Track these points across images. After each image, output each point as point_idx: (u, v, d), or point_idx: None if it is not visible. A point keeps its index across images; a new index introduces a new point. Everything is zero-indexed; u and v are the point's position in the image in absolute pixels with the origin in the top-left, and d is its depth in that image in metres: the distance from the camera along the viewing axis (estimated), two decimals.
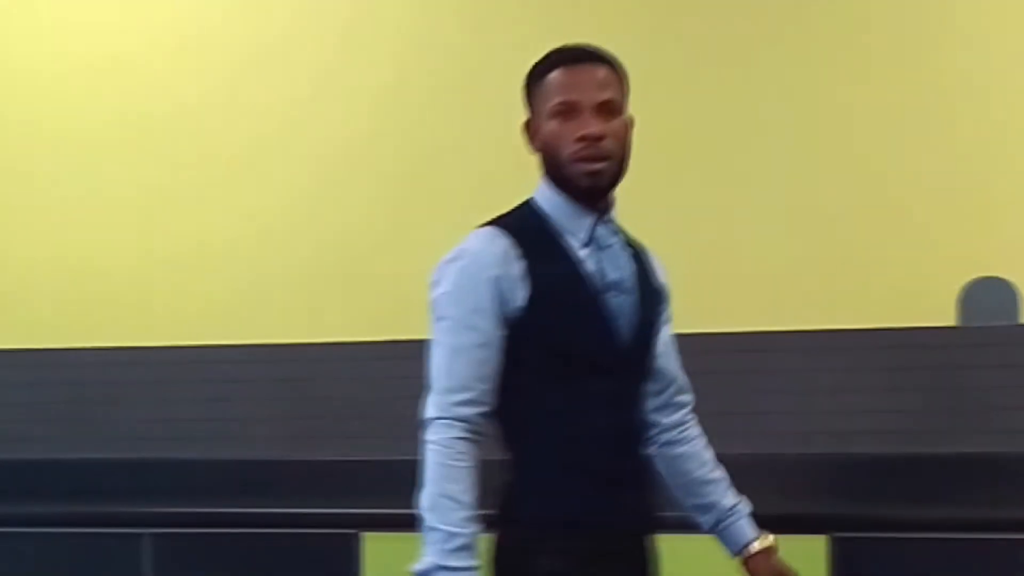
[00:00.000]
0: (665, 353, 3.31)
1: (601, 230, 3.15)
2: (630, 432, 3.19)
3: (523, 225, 3.17)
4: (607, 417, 3.12)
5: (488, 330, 3.08)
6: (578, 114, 3.10)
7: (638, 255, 3.24)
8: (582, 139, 3.08)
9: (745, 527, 3.31)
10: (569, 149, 3.10)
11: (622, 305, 3.13)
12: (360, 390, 5.37)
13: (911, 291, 4.89)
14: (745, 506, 3.32)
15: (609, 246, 3.15)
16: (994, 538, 4.18)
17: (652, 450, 3.33)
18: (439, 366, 3.11)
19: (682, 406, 3.36)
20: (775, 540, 3.30)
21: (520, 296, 3.07)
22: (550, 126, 3.13)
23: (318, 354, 5.41)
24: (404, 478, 5.14)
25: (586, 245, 3.14)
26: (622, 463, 3.15)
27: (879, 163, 5.01)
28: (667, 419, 3.34)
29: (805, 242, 4.97)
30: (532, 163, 5.17)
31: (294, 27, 5.56)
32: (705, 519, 3.33)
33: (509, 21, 5.37)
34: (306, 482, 5.25)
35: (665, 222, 4.72)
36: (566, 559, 3.05)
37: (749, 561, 3.29)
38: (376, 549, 4.62)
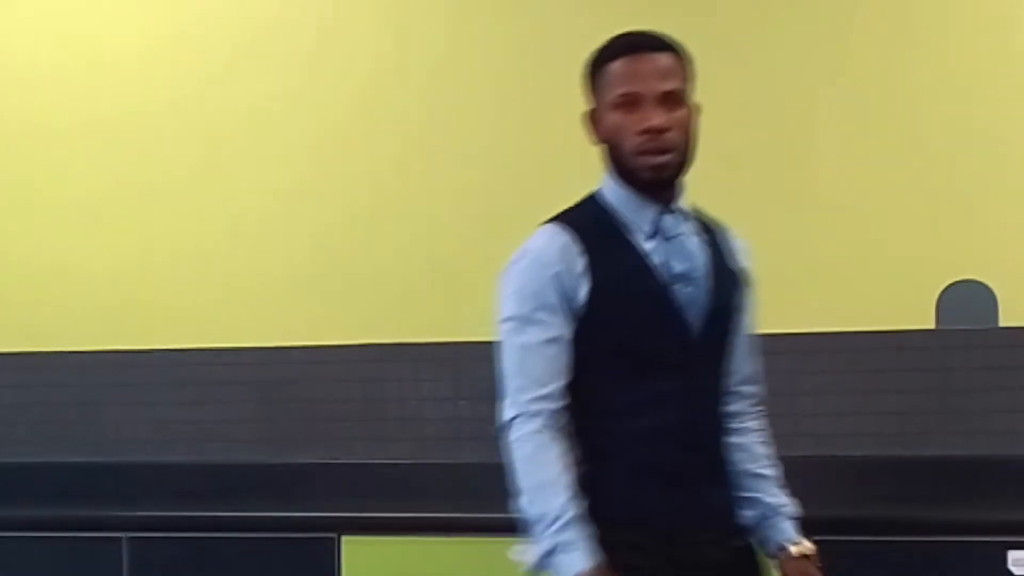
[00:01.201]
0: (741, 342, 3.24)
1: (667, 221, 3.10)
2: (705, 428, 3.13)
3: (586, 219, 3.15)
4: (677, 413, 3.07)
5: (555, 325, 3.06)
6: (641, 105, 3.05)
7: (716, 239, 3.18)
8: (645, 131, 3.04)
9: (785, 528, 3.22)
10: (632, 142, 3.06)
11: (691, 296, 3.08)
12: (341, 393, 5.36)
13: (891, 294, 4.90)
14: (791, 508, 3.24)
15: (676, 236, 3.10)
16: (974, 540, 4.19)
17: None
18: (510, 367, 3.10)
19: (743, 396, 3.27)
20: (814, 549, 3.21)
21: (583, 292, 3.06)
22: (612, 118, 3.09)
23: (299, 357, 5.40)
24: (384, 482, 5.19)
25: (652, 237, 3.10)
26: (694, 460, 3.10)
27: (857, 168, 5.01)
28: (728, 408, 3.24)
29: (784, 246, 4.97)
30: (519, 162, 5.24)
31: (271, 25, 5.53)
32: (748, 514, 3.23)
33: (491, 16, 5.36)
34: (285, 486, 5.24)
35: None
36: (641, 553, 3.02)
37: (784, 564, 3.20)
38: (355, 553, 4.61)
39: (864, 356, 4.93)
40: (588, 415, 3.12)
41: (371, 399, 5.33)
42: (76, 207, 5.63)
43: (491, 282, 5.24)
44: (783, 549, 3.21)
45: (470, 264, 5.25)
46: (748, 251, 3.26)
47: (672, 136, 3.06)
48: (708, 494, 3.12)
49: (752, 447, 3.27)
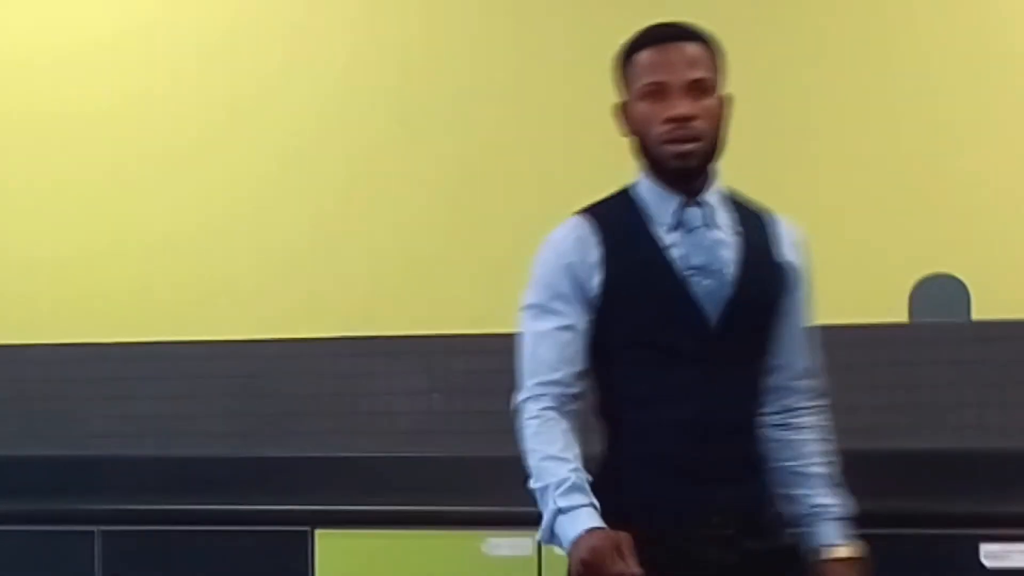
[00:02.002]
0: (793, 335, 3.21)
1: (689, 213, 3.09)
2: (724, 423, 3.09)
3: (611, 210, 3.16)
4: (692, 407, 3.06)
5: (568, 314, 3.09)
6: (667, 95, 3.05)
7: (756, 230, 3.15)
8: (670, 120, 3.04)
9: (826, 530, 3.18)
10: (658, 131, 3.06)
11: (709, 289, 3.06)
12: (314, 387, 5.36)
13: (863, 288, 4.91)
14: (837, 509, 3.20)
15: (697, 228, 3.09)
16: (946, 534, 4.20)
17: (762, 430, 3.22)
18: (525, 353, 3.13)
19: (798, 391, 3.24)
20: (857, 552, 3.19)
21: (596, 282, 3.09)
22: (639, 108, 3.09)
23: (272, 351, 5.39)
24: (357, 475, 5.19)
25: (674, 229, 3.09)
26: (708, 455, 3.07)
27: (830, 161, 5.02)
28: (780, 402, 3.23)
29: None
30: (494, 157, 5.24)
31: (244, 19, 5.53)
32: (789, 511, 3.22)
33: (464, 16, 5.36)
34: (258, 480, 5.23)
35: None
36: (642, 546, 2.95)
37: (821, 568, 3.17)
38: (329, 546, 4.60)
39: (836, 350, 4.89)
40: (606, 405, 3.16)
41: (344, 393, 5.33)
42: (47, 198, 5.62)
43: (464, 276, 5.30)
44: (822, 552, 3.18)
45: (444, 258, 5.26)
46: (800, 242, 3.23)
47: (699, 125, 3.05)
48: (722, 491, 3.07)
49: (802, 444, 3.24)
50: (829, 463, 3.24)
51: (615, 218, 3.15)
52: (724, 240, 3.10)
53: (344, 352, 5.30)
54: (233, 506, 4.80)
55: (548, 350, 3.10)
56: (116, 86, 5.57)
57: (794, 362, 3.24)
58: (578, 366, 3.10)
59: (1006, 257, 4.89)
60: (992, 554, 4.14)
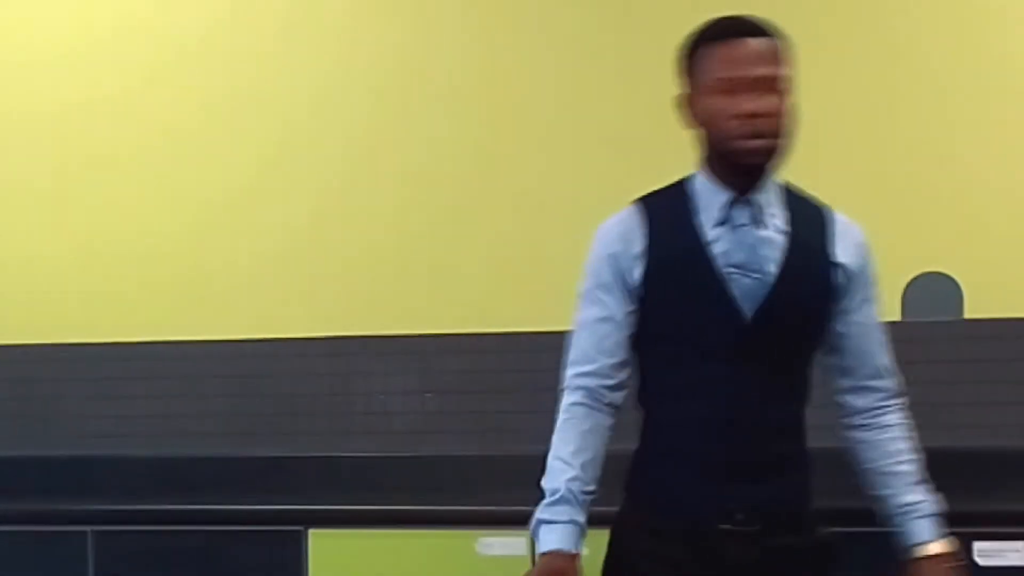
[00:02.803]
0: (860, 335, 3.21)
1: (736, 209, 3.09)
2: (754, 421, 3.09)
3: (664, 202, 3.18)
4: (722, 403, 3.07)
5: (610, 304, 3.13)
6: (736, 91, 3.04)
7: (811, 230, 3.14)
8: (740, 116, 3.03)
9: (917, 528, 3.18)
10: (727, 126, 3.05)
11: (748, 287, 3.06)
12: (306, 386, 5.36)
13: None
14: (927, 507, 3.19)
15: (742, 226, 3.08)
16: None
17: (845, 433, 3.26)
18: (570, 342, 3.19)
19: (876, 391, 3.24)
20: (949, 548, 3.17)
21: (637, 273, 3.11)
22: (708, 103, 3.08)
23: (265, 350, 5.39)
24: (351, 475, 5.19)
25: (720, 224, 3.09)
26: (735, 453, 3.08)
27: (820, 158, 5.02)
28: (858, 403, 3.24)
29: None
30: (485, 153, 5.24)
31: (228, 17, 5.52)
32: (879, 510, 3.23)
33: (450, 16, 5.35)
34: (252, 479, 5.23)
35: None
36: (662, 540, 3.07)
37: (913, 566, 3.18)
38: (322, 546, 4.60)
39: None
40: (642, 397, 3.20)
41: (337, 393, 5.32)
42: (36, 198, 5.61)
43: (458, 275, 5.29)
44: (913, 549, 3.18)
45: (437, 258, 5.26)
46: (860, 242, 3.21)
47: (766, 122, 3.04)
48: (747, 489, 3.08)
49: (886, 443, 3.23)
50: (914, 460, 3.24)
51: (665, 210, 3.16)
52: (770, 239, 3.10)
53: (337, 352, 5.30)
54: (226, 506, 4.80)
55: (587, 340, 3.16)
56: (100, 85, 5.56)
57: (867, 362, 3.24)
58: (618, 357, 3.14)
59: (999, 256, 4.89)
60: (985, 552, 4.15)
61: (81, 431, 5.50)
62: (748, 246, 3.07)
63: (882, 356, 3.26)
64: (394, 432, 5.27)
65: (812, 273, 3.13)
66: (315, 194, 5.41)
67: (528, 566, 4.30)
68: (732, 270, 3.06)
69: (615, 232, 3.16)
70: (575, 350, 3.17)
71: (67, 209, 5.58)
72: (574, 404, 3.13)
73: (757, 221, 3.09)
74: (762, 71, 3.05)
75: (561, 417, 3.14)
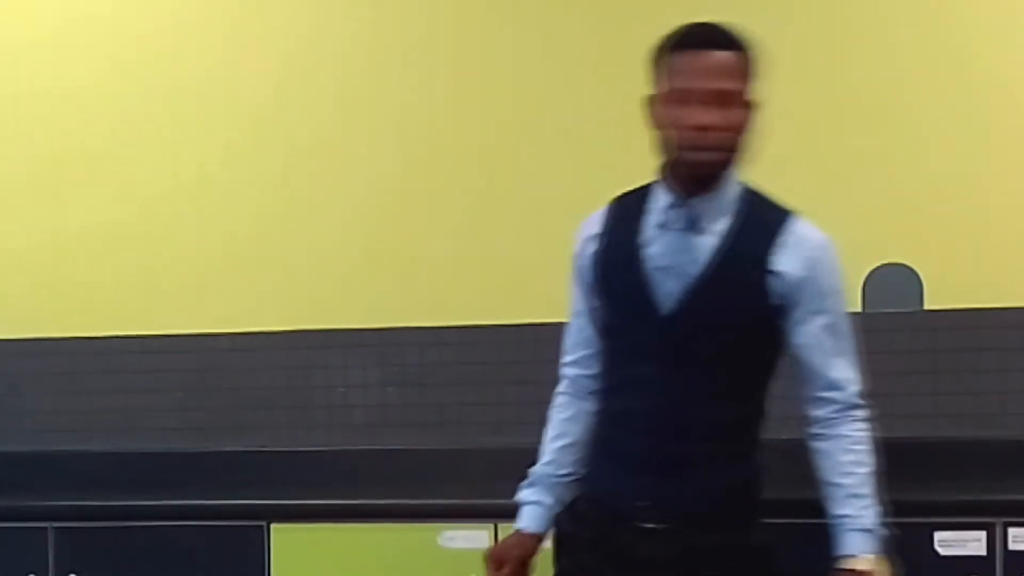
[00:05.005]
0: (809, 346, 3.23)
1: (675, 214, 3.16)
2: (677, 420, 3.16)
3: (626, 202, 3.32)
4: (645, 401, 3.18)
5: (579, 299, 3.34)
6: (691, 102, 3.09)
7: (752, 238, 3.18)
8: (691, 127, 3.09)
9: (845, 540, 3.21)
10: (679, 136, 3.12)
11: (672, 290, 3.14)
12: (268, 381, 5.34)
13: None
14: (859, 521, 3.20)
15: (676, 230, 3.16)
16: (899, 522, 4.19)
17: (807, 439, 3.31)
18: None
19: (830, 403, 3.26)
20: (875, 565, 3.19)
21: (592, 274, 3.29)
22: (666, 110, 3.14)
23: (225, 344, 5.37)
24: (312, 469, 5.18)
25: (660, 226, 3.18)
26: (655, 450, 3.17)
27: (782, 151, 5.02)
28: (812, 413, 3.28)
29: None
30: (445, 147, 5.23)
31: (187, 11, 5.48)
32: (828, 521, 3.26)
33: (408, 12, 5.35)
34: (212, 474, 5.21)
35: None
36: (581, 525, 3.26)
37: (836, 574, 3.20)
38: (284, 541, 4.59)
39: None
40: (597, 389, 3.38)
41: (298, 386, 5.31)
42: None
43: (416, 269, 5.28)
44: (838, 561, 3.21)
45: (396, 251, 5.25)
46: (811, 256, 3.23)
47: (719, 135, 3.11)
48: (664, 485, 3.16)
49: (832, 454, 3.26)
50: (858, 474, 3.25)
51: (623, 210, 3.29)
52: (704, 244, 3.15)
53: (297, 345, 5.29)
54: (187, 501, 4.79)
55: (569, 332, 3.41)
56: (59, 79, 5.51)
57: (818, 374, 3.26)
58: (593, 348, 3.34)
59: (959, 246, 4.91)
60: (946, 542, 4.17)
61: (41, 426, 5.47)
62: (677, 250, 3.16)
63: (836, 369, 3.28)
64: (355, 425, 5.27)
65: (740, 279, 3.17)
66: (271, 188, 5.38)
67: None
68: (657, 273, 3.16)
69: (581, 234, 3.33)
70: (565, 341, 3.42)
71: (27, 203, 5.54)
72: (559, 393, 3.41)
73: (693, 226, 3.16)
74: (719, 85, 3.10)
75: (551, 408, 3.43)
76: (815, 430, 3.29)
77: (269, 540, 4.60)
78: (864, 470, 3.26)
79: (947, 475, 4.66)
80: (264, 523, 4.61)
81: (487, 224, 5.20)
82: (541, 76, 5.19)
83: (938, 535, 4.17)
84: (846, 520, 3.22)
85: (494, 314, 5.03)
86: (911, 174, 4.95)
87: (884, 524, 3.27)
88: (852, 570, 3.18)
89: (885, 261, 4.93)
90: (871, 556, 3.20)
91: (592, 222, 3.32)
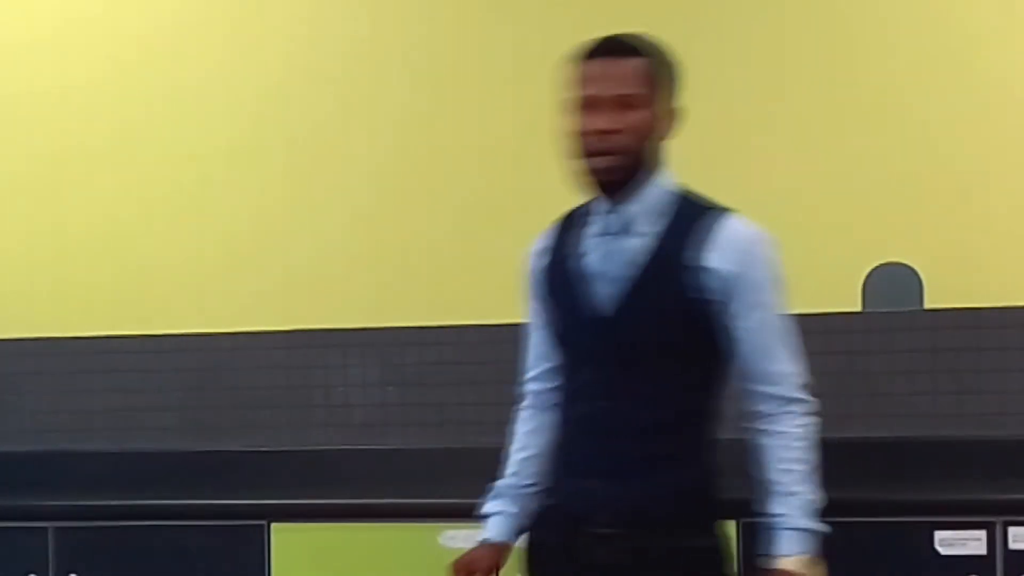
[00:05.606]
0: (747, 340, 3.19)
1: (609, 219, 3.21)
2: (618, 423, 3.18)
3: (572, 215, 3.35)
4: (588, 406, 3.22)
5: (536, 313, 3.37)
6: (594, 108, 3.15)
7: (682, 236, 3.18)
8: (588, 133, 3.15)
9: (771, 539, 3.16)
10: (580, 142, 3.18)
11: (608, 295, 3.17)
12: (268, 380, 5.34)
13: (816, 277, 4.90)
14: (786, 521, 3.14)
15: (612, 235, 3.20)
16: (900, 521, 4.22)
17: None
18: None
19: (767, 397, 3.21)
20: (800, 567, 3.12)
21: (540, 288, 3.34)
22: (572, 118, 3.20)
23: (225, 344, 5.37)
24: (312, 468, 5.18)
25: (599, 234, 3.23)
26: (599, 453, 3.20)
27: (783, 150, 5.03)
28: (751, 407, 3.23)
29: None
30: (441, 148, 5.23)
31: (187, 9, 5.48)
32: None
33: (401, 17, 5.35)
34: (213, 474, 5.21)
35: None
36: (540, 529, 3.31)
37: (760, 572, 3.18)
38: (284, 540, 4.59)
39: None
40: None
41: (298, 386, 5.31)
42: None
43: (419, 267, 5.28)
44: (763, 559, 3.18)
45: (399, 250, 5.25)
46: (744, 249, 3.20)
47: (618, 139, 3.14)
48: (616, 490, 3.17)
49: (771, 450, 3.20)
50: (792, 471, 3.19)
51: (571, 222, 3.33)
52: (637, 246, 3.19)
53: (297, 345, 5.29)
54: (187, 500, 4.79)
55: (528, 349, 3.44)
56: (59, 79, 5.52)
57: (756, 367, 3.22)
58: (553, 361, 3.35)
59: (959, 246, 4.91)
60: (947, 541, 4.17)
61: (41, 426, 5.47)
62: (611, 254, 3.20)
63: (774, 362, 3.22)
64: (355, 425, 5.27)
65: (670, 278, 3.17)
66: (272, 187, 5.39)
67: None
68: (594, 278, 3.20)
69: (533, 249, 3.39)
70: (526, 357, 3.45)
71: (27, 203, 5.54)
72: (522, 408, 3.44)
73: (627, 230, 3.20)
74: (618, 90, 3.15)
75: (514, 423, 3.45)
76: (754, 424, 3.23)
77: (269, 540, 4.60)
78: (802, 467, 3.19)
79: (947, 475, 4.66)
80: (264, 523, 4.61)
81: (487, 224, 5.20)
82: (541, 76, 5.18)
83: (938, 535, 4.17)
84: (775, 519, 3.16)
85: (494, 314, 5.03)
86: (911, 174, 4.95)
87: (820, 523, 3.19)
88: (780, 570, 3.13)
89: (885, 261, 4.93)
90: (802, 557, 3.14)
91: (541, 237, 3.37)
